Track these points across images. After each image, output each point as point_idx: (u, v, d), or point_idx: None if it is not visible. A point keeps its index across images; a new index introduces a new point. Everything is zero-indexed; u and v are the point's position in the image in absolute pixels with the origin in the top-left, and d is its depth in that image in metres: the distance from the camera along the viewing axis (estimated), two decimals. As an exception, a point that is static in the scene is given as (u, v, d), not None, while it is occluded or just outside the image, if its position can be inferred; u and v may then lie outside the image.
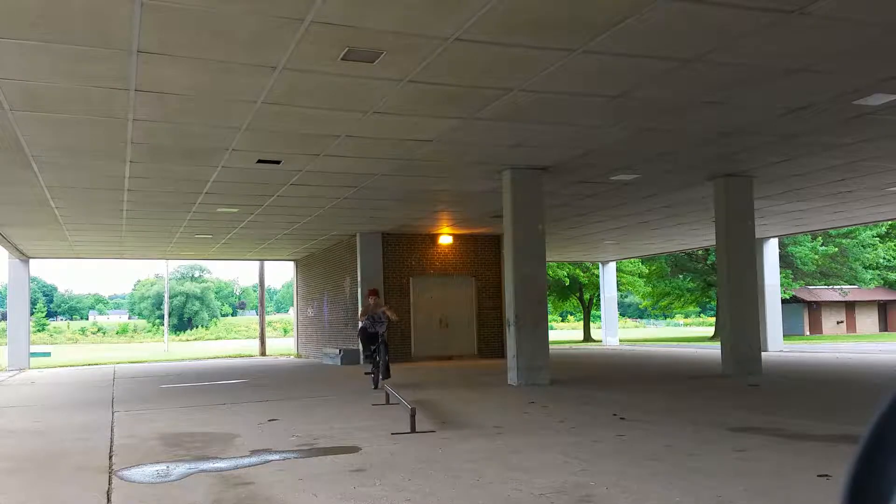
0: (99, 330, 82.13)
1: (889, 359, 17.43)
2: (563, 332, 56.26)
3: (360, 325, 12.45)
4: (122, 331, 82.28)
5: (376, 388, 11.05)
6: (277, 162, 10.73)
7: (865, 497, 0.67)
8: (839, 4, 5.74)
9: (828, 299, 42.07)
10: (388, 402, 9.20)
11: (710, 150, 10.66)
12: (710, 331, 44.49)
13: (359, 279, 19.13)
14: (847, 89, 7.97)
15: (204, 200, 13.63)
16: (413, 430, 6.97)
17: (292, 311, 32.73)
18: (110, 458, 6.10)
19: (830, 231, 30.90)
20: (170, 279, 70.64)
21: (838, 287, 39.71)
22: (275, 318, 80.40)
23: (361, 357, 18.95)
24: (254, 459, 5.81)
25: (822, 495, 4.27)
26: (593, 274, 35.88)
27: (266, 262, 29.97)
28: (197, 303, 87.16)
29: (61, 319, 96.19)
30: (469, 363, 18.19)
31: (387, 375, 11.45)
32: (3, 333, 30.64)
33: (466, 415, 8.32)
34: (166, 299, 60.31)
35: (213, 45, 6.22)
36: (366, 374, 12.18)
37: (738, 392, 10.27)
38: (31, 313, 32.09)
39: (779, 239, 23.10)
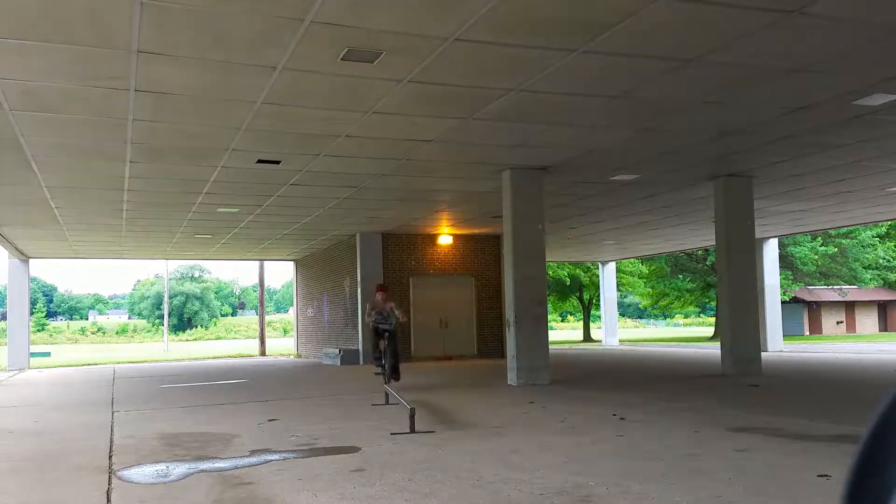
0: (99, 330, 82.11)
1: (889, 359, 17.43)
2: (563, 332, 56.25)
3: (369, 322, 11.29)
4: (122, 331, 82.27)
5: (388, 383, 10.36)
6: (277, 162, 10.73)
7: (865, 497, 0.67)
8: (839, 4, 5.74)
9: (828, 299, 42.05)
10: (387, 402, 9.20)
11: (710, 150, 10.66)
12: (710, 331, 44.48)
13: (359, 279, 19.13)
14: (847, 89, 7.97)
15: (204, 200, 13.63)
16: (413, 430, 6.96)
17: (292, 311, 32.73)
18: (110, 458, 6.10)
19: (830, 231, 30.89)
20: (170, 279, 70.66)
21: (838, 287, 39.70)
22: (275, 318, 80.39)
23: (362, 356, 19.03)
24: (254, 459, 5.81)
25: (822, 495, 4.27)
26: (594, 274, 35.88)
27: (266, 262, 29.98)
28: (197, 303, 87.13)
29: (61, 319, 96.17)
30: (469, 363, 18.19)
31: (395, 377, 10.68)
32: (3, 333, 30.64)
33: (466, 415, 8.32)
34: (166, 299, 60.33)
35: (213, 45, 6.22)
36: (375, 374, 11.42)
37: (737, 392, 10.27)
38: (31, 313, 32.07)
39: (779, 239, 23.10)
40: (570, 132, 9.52)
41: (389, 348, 10.79)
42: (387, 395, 9.36)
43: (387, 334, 10.90)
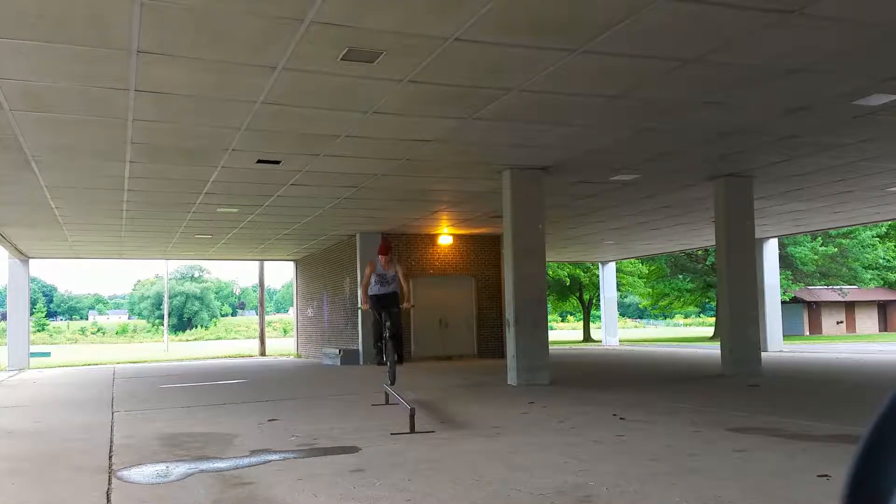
0: (99, 330, 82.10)
1: (889, 359, 17.43)
2: (563, 333, 56.25)
3: (364, 299, 9.36)
4: (122, 331, 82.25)
5: (392, 384, 9.05)
6: (277, 162, 10.73)
7: (865, 497, 0.67)
8: (839, 4, 5.74)
9: (827, 299, 42.06)
10: (387, 403, 9.19)
11: (710, 150, 10.66)
12: (710, 331, 44.49)
13: (358, 279, 19.12)
14: (847, 89, 7.97)
15: (204, 200, 13.63)
16: (412, 430, 6.96)
17: (292, 312, 32.72)
18: (110, 458, 6.10)
19: (830, 231, 30.89)
20: (169, 279, 70.66)
21: (838, 287, 39.70)
22: (274, 319, 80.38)
23: (362, 356, 18.98)
24: (254, 459, 5.80)
25: (822, 495, 4.27)
26: (594, 274, 35.89)
27: (266, 262, 29.98)
28: (197, 303, 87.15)
29: (61, 319, 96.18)
30: (469, 363, 18.19)
31: (398, 360, 9.16)
32: (3, 333, 30.64)
33: (466, 415, 8.32)
34: (166, 299, 60.32)
35: (213, 45, 6.22)
36: (385, 384, 9.41)
37: (738, 392, 10.27)
38: (31, 313, 32.09)
39: (779, 239, 23.10)
40: (570, 132, 9.52)
41: (390, 324, 9.10)
42: (387, 395, 9.35)
43: (388, 323, 9.17)
